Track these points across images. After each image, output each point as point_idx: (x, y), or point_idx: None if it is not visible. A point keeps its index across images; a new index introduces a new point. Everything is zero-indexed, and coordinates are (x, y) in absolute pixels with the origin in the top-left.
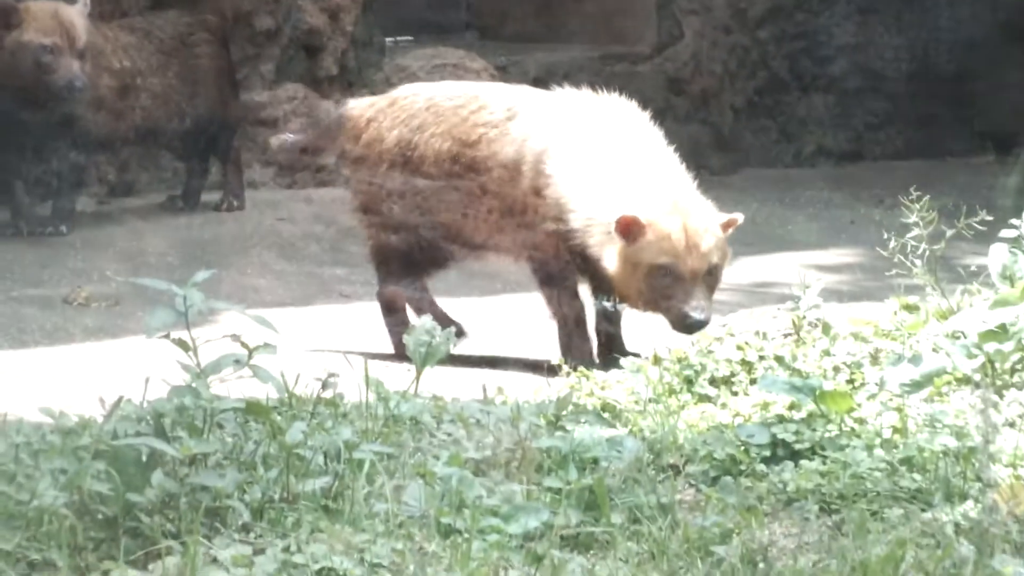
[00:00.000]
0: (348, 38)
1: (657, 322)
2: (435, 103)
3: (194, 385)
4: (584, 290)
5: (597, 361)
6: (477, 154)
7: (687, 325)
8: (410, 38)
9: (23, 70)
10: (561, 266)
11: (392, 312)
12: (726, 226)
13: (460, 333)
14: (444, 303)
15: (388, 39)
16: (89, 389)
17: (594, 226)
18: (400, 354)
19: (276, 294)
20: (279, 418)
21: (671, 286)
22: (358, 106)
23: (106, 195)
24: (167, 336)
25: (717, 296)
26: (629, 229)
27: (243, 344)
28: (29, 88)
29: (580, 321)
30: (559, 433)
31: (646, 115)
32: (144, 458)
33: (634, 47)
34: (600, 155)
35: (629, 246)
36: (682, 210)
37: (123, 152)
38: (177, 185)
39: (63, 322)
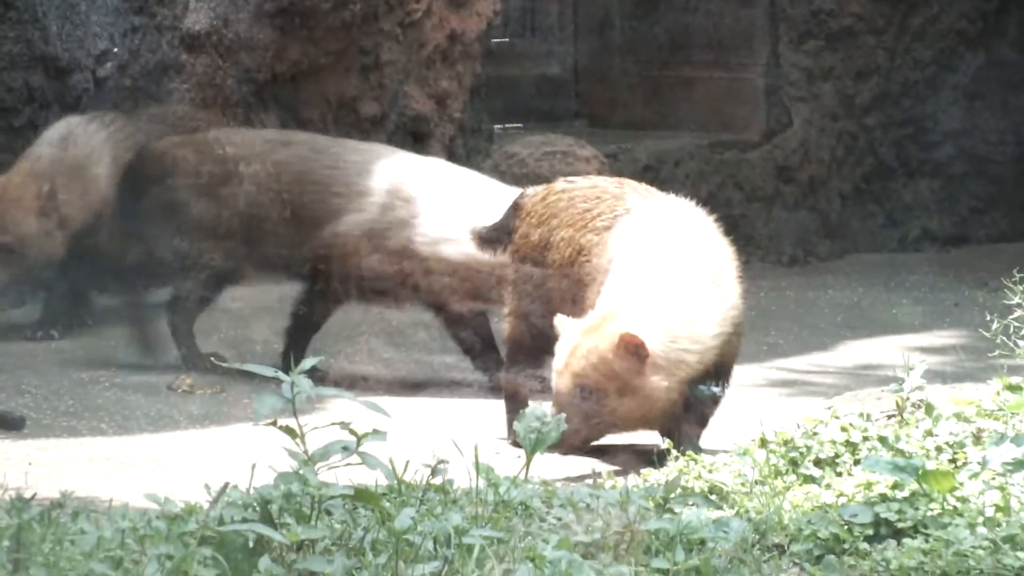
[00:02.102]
0: (456, 124)
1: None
2: (573, 203)
3: (301, 472)
4: None
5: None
6: (588, 260)
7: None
8: (519, 125)
9: None
10: None
11: (514, 398)
12: (624, 346)
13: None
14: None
15: (497, 126)
16: (195, 475)
17: None
18: (514, 440)
19: (385, 381)
20: (388, 504)
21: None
22: (529, 195)
23: None
24: (274, 423)
25: (821, 379)
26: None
27: (351, 431)
28: None
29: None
30: (667, 515)
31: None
32: (251, 544)
33: (743, 134)
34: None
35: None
36: (596, 330)
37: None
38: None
39: (168, 409)
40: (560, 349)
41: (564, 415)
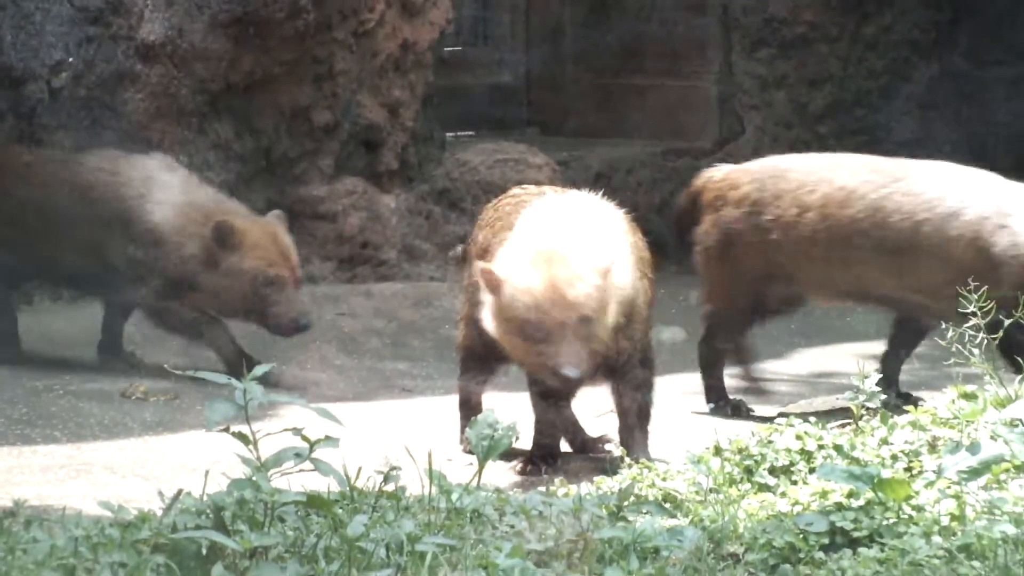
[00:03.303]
0: (408, 133)
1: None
2: (518, 209)
3: (254, 478)
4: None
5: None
6: None
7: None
8: (471, 133)
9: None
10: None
11: (467, 405)
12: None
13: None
14: (502, 398)
15: (449, 134)
16: (148, 482)
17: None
18: (467, 447)
19: (337, 388)
20: (341, 511)
21: (538, 340)
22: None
23: None
24: (227, 429)
25: (776, 386)
26: (490, 282)
27: (304, 437)
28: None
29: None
30: (621, 524)
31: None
32: (204, 551)
33: (696, 142)
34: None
35: (497, 301)
36: (550, 261)
37: None
38: None
39: (121, 416)
40: None
41: None
